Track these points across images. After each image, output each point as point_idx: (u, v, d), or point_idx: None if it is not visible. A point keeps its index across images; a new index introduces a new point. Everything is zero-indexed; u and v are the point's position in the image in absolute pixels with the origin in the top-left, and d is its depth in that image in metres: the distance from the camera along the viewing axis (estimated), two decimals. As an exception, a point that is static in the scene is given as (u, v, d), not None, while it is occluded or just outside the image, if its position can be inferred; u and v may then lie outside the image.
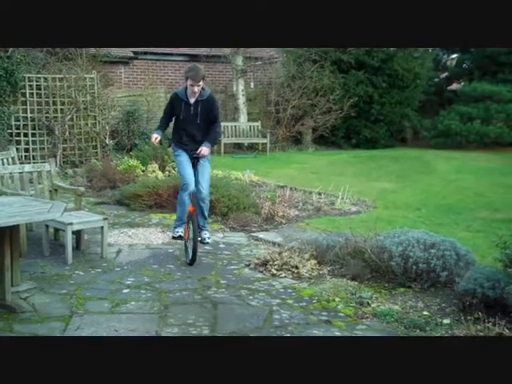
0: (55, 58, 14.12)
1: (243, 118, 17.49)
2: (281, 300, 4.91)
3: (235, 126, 16.99)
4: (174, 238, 6.11)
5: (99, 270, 5.60)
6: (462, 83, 20.76)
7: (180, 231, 6.01)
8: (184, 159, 5.94)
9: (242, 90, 17.50)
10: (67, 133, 12.48)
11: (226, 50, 17.08)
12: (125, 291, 5.05)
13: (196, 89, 5.71)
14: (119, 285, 5.21)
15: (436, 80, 21.55)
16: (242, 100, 17.51)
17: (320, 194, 9.35)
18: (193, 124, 5.89)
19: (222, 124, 16.86)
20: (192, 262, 5.79)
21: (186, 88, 5.79)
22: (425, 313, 4.61)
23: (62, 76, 12.54)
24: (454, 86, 21.47)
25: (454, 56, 22.25)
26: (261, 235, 6.97)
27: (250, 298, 4.92)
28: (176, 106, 5.90)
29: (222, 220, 7.72)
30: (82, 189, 6.94)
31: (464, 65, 21.48)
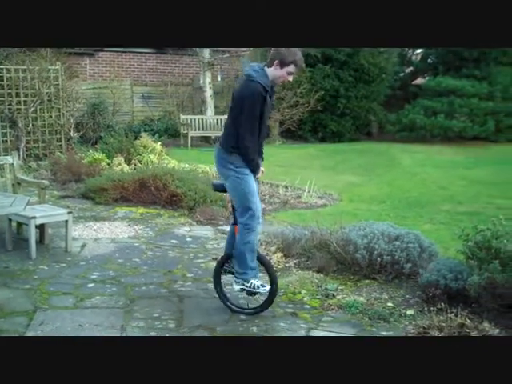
0: (18, 48, 13.85)
1: (210, 111, 17.43)
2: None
3: (202, 119, 16.92)
4: (252, 293, 4.46)
5: (63, 265, 5.53)
6: (427, 78, 21.07)
7: (264, 284, 4.45)
8: (253, 181, 4.33)
9: (209, 83, 17.43)
10: (31, 125, 12.26)
11: (193, 43, 16.96)
12: (90, 286, 5.00)
13: (291, 78, 4.33)
14: (84, 279, 5.15)
15: (401, 75, 21.85)
16: (209, 93, 17.44)
17: (287, 187, 9.39)
18: (266, 124, 4.40)
19: (189, 117, 16.82)
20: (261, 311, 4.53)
21: (266, 75, 4.20)
22: (389, 304, 4.68)
23: (25, 67, 12.31)
24: (419, 81, 21.79)
25: (419, 51, 22.56)
26: (228, 228, 6.96)
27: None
28: (263, 102, 4.15)
29: (189, 213, 7.70)
30: (46, 182, 6.83)
31: (429, 60, 21.81)
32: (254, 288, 4.38)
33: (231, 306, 4.55)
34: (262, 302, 4.51)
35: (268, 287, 4.41)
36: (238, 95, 4.20)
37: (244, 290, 4.44)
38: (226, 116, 4.54)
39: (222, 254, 4.74)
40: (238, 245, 4.34)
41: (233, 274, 4.54)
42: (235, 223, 4.44)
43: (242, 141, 4.15)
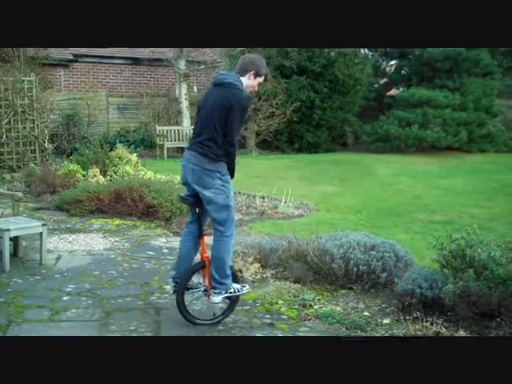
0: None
1: (186, 122, 17.42)
2: (225, 304, 4.90)
3: (178, 130, 16.90)
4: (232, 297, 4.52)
5: (38, 278, 5.46)
6: (401, 89, 21.34)
7: (244, 284, 4.66)
8: None
9: (185, 94, 17.44)
10: (4, 136, 12.13)
11: (169, 54, 16.99)
12: (65, 298, 4.94)
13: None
14: (59, 292, 5.09)
15: (376, 86, 22.10)
16: (184, 104, 17.44)
17: (263, 197, 9.40)
18: None
19: (165, 128, 16.79)
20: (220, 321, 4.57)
21: (242, 83, 4.29)
22: (365, 313, 4.70)
23: (-2, 78, 12.20)
24: (393, 92, 22.05)
25: (393, 62, 22.88)
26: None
27: (194, 302, 4.89)
28: None
29: (166, 225, 7.67)
30: (20, 194, 6.76)
31: (402, 71, 22.10)
32: (237, 292, 4.44)
33: (201, 321, 4.47)
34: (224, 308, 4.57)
35: (247, 286, 4.57)
36: (225, 103, 4.16)
37: (227, 297, 4.45)
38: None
39: (175, 275, 4.49)
40: (218, 254, 4.34)
41: (194, 288, 4.49)
42: (201, 235, 4.45)
43: (231, 148, 4.20)
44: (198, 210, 4.39)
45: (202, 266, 4.49)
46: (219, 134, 4.17)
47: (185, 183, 4.43)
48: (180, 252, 4.57)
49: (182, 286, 4.41)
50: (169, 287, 4.57)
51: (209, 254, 4.45)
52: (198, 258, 4.58)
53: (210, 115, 4.22)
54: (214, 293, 4.39)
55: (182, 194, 4.50)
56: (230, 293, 4.41)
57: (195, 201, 4.37)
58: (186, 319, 4.43)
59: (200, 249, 4.50)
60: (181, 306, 4.40)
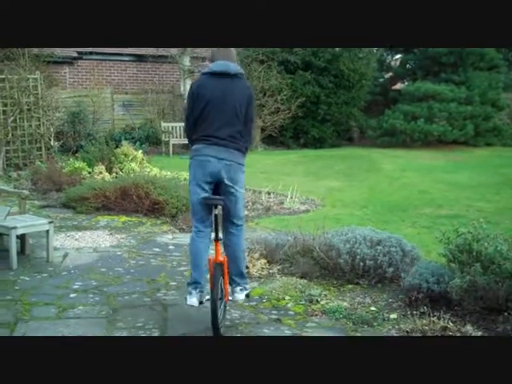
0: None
1: (191, 118, 17.38)
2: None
3: (183, 127, 16.86)
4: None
5: (45, 275, 5.48)
6: (406, 83, 21.27)
7: None
8: None
9: (190, 91, 17.39)
10: (10, 135, 12.16)
11: (173, 50, 16.96)
12: (72, 296, 4.96)
13: None
14: (66, 289, 5.10)
15: (381, 80, 22.04)
16: (189, 100, 17.39)
17: (269, 193, 9.40)
18: None
19: (170, 124, 16.79)
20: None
21: None
22: (372, 308, 4.70)
23: (3, 77, 12.22)
24: (398, 86, 21.98)
25: (398, 56, 22.79)
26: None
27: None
28: None
29: (172, 221, 7.68)
30: (26, 192, 6.77)
31: (407, 65, 22.03)
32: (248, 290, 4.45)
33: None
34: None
35: None
36: (244, 94, 4.16)
37: (247, 295, 4.42)
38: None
39: (198, 283, 4.19)
40: (240, 249, 4.33)
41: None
42: (218, 238, 4.20)
43: (251, 138, 4.29)
44: (218, 211, 4.16)
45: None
46: (242, 125, 4.13)
47: (206, 181, 4.12)
48: (197, 259, 4.23)
49: (217, 294, 3.97)
50: (193, 300, 4.13)
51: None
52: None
53: (233, 107, 4.09)
54: (241, 290, 4.30)
55: (209, 195, 4.12)
56: (248, 290, 4.42)
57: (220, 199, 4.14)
58: (216, 334, 3.99)
59: (215, 252, 4.20)
60: (216, 318, 3.94)
